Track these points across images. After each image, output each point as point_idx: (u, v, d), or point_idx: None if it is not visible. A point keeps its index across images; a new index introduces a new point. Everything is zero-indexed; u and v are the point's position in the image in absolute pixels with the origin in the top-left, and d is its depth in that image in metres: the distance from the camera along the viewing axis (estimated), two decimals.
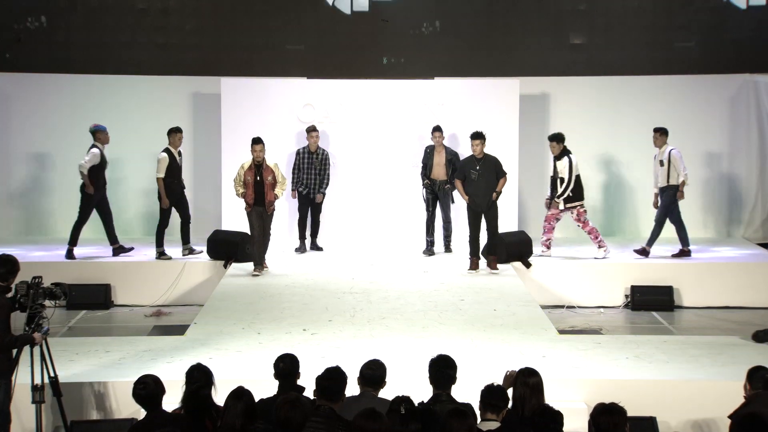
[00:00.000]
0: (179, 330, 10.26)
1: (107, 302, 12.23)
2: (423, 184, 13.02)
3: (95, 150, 12.74)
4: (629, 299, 12.28)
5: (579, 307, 12.25)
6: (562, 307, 12.22)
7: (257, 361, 8.47)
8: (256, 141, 11.88)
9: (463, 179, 12.11)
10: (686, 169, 12.82)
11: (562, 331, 10.20)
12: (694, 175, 14.21)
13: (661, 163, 12.83)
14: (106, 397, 7.90)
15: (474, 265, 12.14)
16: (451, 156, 12.88)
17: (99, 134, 12.83)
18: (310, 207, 13.23)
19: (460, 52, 15.00)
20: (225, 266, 12.50)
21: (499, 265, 12.18)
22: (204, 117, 14.82)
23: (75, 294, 11.56)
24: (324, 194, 13.24)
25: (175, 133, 12.84)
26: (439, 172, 12.93)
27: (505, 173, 12.18)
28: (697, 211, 14.80)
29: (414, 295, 11.16)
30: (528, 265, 12.57)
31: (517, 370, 6.31)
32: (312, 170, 13.15)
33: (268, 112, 14.01)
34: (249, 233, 12.19)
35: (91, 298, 12.10)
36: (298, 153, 13.25)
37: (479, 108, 14.01)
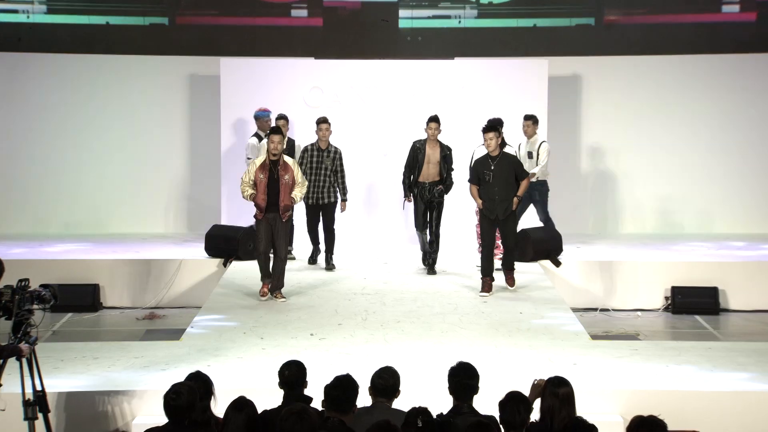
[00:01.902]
0: (174, 335, 10.27)
1: (95, 304, 12.25)
2: (406, 195, 11.96)
3: (254, 140, 12.64)
4: (670, 301, 12.25)
5: (614, 310, 12.24)
6: (595, 310, 12.22)
7: (260, 369, 8.48)
8: (276, 131, 10.71)
9: (478, 183, 11.11)
10: (547, 167, 12.71)
11: (595, 337, 10.16)
12: (744, 165, 14.18)
13: (530, 155, 12.76)
14: (94, 408, 7.89)
15: (487, 287, 11.13)
16: (447, 152, 11.85)
17: (260, 121, 12.74)
18: (322, 216, 12.24)
19: (482, 29, 14.97)
20: (224, 265, 12.50)
21: (526, 264, 12.10)
22: (201, 101, 14.86)
23: (60, 295, 11.56)
24: (346, 201, 12.20)
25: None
26: (432, 172, 11.80)
27: (527, 174, 11.23)
28: (743, 205, 14.76)
29: (432, 296, 11.15)
30: (557, 263, 12.54)
31: (545, 379, 6.29)
32: (322, 172, 12.09)
33: (271, 95, 13.99)
34: (253, 227, 11.69)
35: (78, 299, 12.10)
36: (305, 151, 12.17)
37: (503, 91, 13.98)
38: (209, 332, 9.86)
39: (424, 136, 11.92)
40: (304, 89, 14.08)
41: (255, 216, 10.86)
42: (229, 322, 10.22)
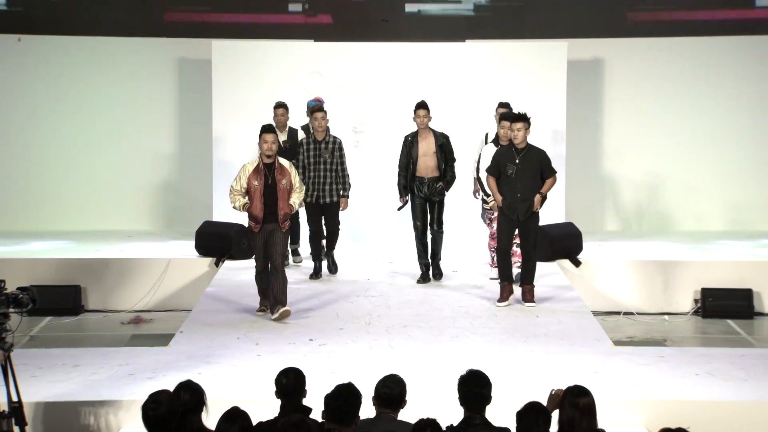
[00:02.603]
0: (162, 340, 10.27)
1: (76, 307, 12.27)
2: (402, 197, 11.60)
3: (300, 134, 12.37)
4: (699, 304, 12.26)
5: (639, 313, 12.25)
6: (618, 313, 12.23)
7: (255, 377, 8.49)
8: (269, 129, 10.31)
9: (497, 176, 10.81)
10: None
11: (618, 343, 10.19)
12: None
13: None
14: (75, 420, 7.90)
15: (505, 295, 10.86)
16: (443, 140, 11.47)
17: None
18: (324, 217, 11.93)
19: (495, 9, 14.97)
20: (217, 264, 12.53)
21: (543, 264, 12.00)
22: (191, 87, 14.87)
23: (38, 297, 11.59)
24: (348, 197, 11.86)
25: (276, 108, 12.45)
26: (429, 166, 11.43)
27: (554, 172, 10.81)
28: None
29: (441, 298, 11.16)
30: (577, 263, 12.54)
31: (564, 388, 6.30)
32: (321, 167, 11.75)
33: (267, 81, 14.02)
34: (245, 225, 11.18)
35: (58, 301, 12.09)
36: (300, 145, 11.83)
37: (519, 77, 13.99)
38: (200, 337, 9.86)
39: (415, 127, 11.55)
40: (303, 75, 14.08)
41: (249, 228, 10.36)
42: (221, 326, 10.22)
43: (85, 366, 8.92)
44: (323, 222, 11.89)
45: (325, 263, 12.16)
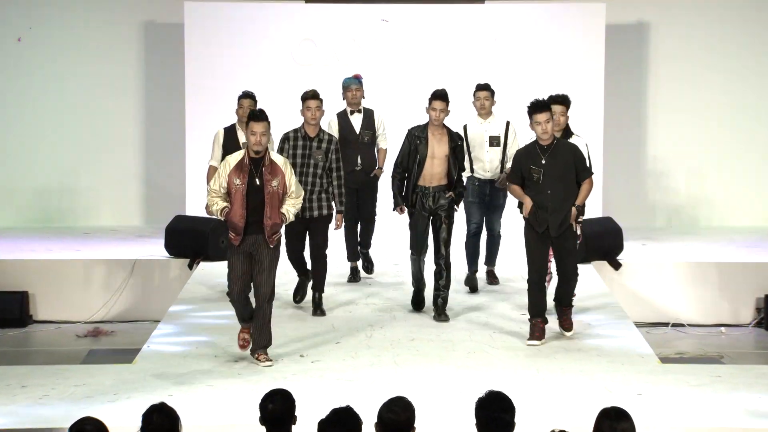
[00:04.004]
0: (126, 356, 10.28)
1: (24, 317, 12.31)
2: (397, 204, 10.84)
3: (333, 121, 11.90)
4: (763, 314, 12.28)
5: (690, 325, 12.29)
6: (666, 324, 12.26)
7: (236, 400, 8.50)
8: (258, 117, 9.44)
9: (521, 183, 10.11)
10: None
11: (665, 360, 10.20)
12: None
13: (493, 140, 11.76)
14: None
15: (537, 333, 10.11)
16: (458, 142, 10.79)
17: (346, 92, 11.94)
18: (309, 235, 11.07)
19: None
20: (190, 267, 12.57)
21: (578, 266, 11.86)
22: (160, 57, 14.89)
23: None
24: (342, 212, 11.09)
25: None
26: (437, 172, 10.68)
27: (591, 173, 10.15)
28: None
29: (455, 306, 11.15)
30: (617, 266, 12.54)
31: (599, 412, 6.29)
32: (309, 170, 10.86)
33: (250, 49, 14.06)
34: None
35: (1, 311, 12.15)
36: (286, 139, 10.94)
37: (547, 45, 14.03)
38: (171, 353, 9.89)
39: (423, 119, 10.87)
40: (293, 43, 14.13)
41: (231, 240, 9.53)
42: (196, 339, 10.25)
43: (34, 387, 8.91)
44: (309, 242, 11.10)
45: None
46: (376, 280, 12.20)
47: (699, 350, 11.45)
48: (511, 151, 11.25)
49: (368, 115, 12.00)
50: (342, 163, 11.01)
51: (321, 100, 10.91)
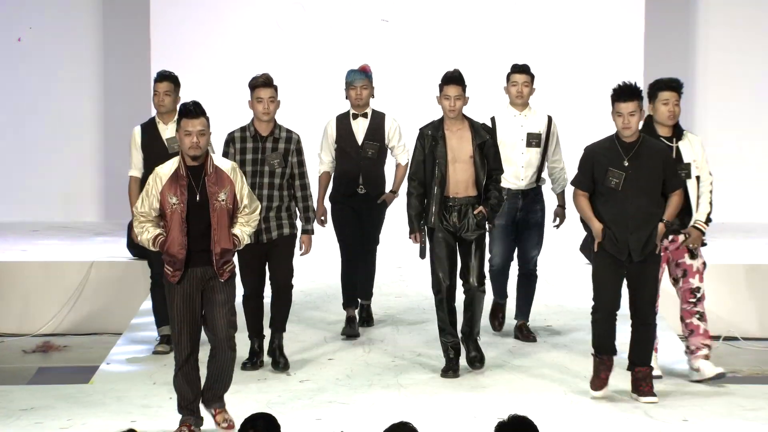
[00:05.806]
0: (81, 374, 10.44)
1: None
2: (414, 231, 10.06)
3: (330, 124, 11.27)
4: None
5: (745, 338, 12.42)
6: (717, 338, 12.16)
7: (211, 426, 8.62)
8: (191, 112, 8.50)
9: (591, 191, 9.39)
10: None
11: (716, 378, 10.10)
12: None
13: (531, 140, 11.08)
14: None
15: (603, 378, 9.46)
16: (484, 138, 10.03)
17: (348, 89, 11.19)
18: (268, 262, 10.21)
19: None
20: None
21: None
22: (121, 21, 15.10)
23: None
24: (312, 232, 10.30)
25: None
26: (461, 179, 9.96)
27: (683, 182, 9.56)
28: None
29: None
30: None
31: None
32: (264, 180, 10.08)
33: (227, 16, 14.22)
34: None
35: None
36: (230, 141, 10.13)
37: (580, 21, 14.26)
38: (134, 371, 10.03)
39: (436, 113, 10.21)
40: (278, 7, 14.25)
41: (167, 278, 8.58)
42: (163, 355, 10.36)
43: None
44: (268, 272, 10.29)
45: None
46: (376, 282, 11.64)
47: (755, 368, 11.48)
48: (554, 157, 10.98)
49: (377, 121, 11.13)
50: (306, 168, 10.23)
51: (275, 88, 10.11)
